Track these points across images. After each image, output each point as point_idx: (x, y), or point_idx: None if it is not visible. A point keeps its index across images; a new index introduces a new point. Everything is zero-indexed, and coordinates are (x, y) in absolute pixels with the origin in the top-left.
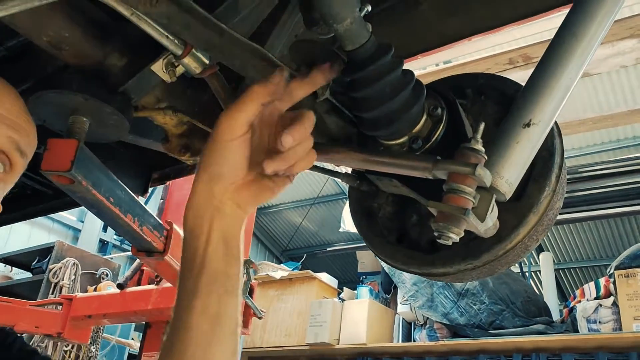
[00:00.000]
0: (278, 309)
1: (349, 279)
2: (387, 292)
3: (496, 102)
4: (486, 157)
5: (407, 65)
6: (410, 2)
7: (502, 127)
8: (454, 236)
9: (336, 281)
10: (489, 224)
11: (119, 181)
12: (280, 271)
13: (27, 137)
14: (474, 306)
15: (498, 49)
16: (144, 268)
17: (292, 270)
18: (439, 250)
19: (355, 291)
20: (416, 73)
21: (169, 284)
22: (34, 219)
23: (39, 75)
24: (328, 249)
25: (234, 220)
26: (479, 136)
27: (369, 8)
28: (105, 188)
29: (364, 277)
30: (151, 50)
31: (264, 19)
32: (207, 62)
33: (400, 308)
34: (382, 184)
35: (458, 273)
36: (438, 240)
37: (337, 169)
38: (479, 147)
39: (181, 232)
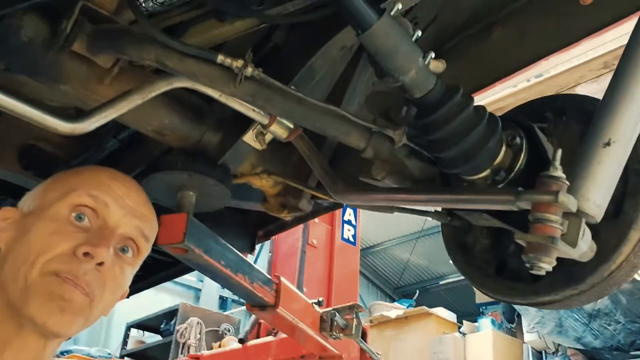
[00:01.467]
0: (397, 348)
1: (468, 311)
2: (511, 321)
3: (579, 122)
4: (568, 183)
5: (497, 84)
6: (482, 33)
7: (582, 149)
8: (546, 266)
9: (454, 315)
10: (583, 249)
11: (227, 244)
12: (394, 310)
13: (150, 224)
14: (608, 327)
15: (591, 54)
16: (262, 321)
17: (407, 307)
18: (541, 279)
19: (476, 323)
20: (507, 92)
21: (285, 335)
22: None
23: (148, 160)
24: (441, 282)
25: None
26: (557, 163)
27: (432, 54)
28: (215, 252)
29: (483, 307)
30: (241, 123)
31: (338, 76)
32: (291, 126)
33: (528, 337)
34: (473, 218)
35: (565, 299)
36: (531, 271)
37: (427, 207)
38: (559, 173)
39: (289, 284)
